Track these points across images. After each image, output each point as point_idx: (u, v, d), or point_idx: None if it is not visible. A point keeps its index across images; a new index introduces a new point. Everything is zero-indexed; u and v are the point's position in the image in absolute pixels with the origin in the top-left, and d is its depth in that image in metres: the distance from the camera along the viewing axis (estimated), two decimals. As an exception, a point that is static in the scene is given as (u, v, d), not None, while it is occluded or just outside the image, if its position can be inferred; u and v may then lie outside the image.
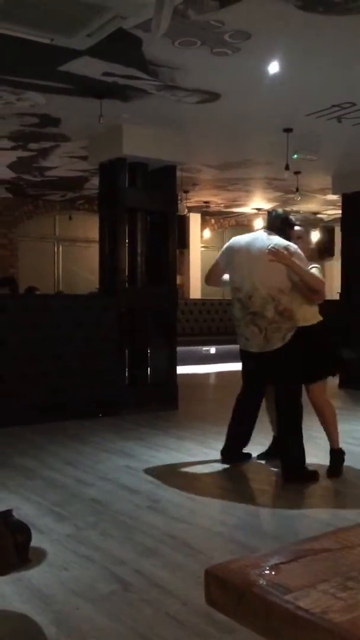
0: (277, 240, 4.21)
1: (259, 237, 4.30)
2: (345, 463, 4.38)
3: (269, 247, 4.15)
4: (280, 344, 4.18)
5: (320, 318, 4.41)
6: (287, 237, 4.30)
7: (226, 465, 4.58)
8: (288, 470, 4.24)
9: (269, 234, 4.29)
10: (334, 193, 9.41)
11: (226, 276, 4.46)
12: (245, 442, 4.61)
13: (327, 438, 4.39)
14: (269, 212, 4.55)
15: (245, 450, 4.66)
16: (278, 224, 4.35)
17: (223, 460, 4.60)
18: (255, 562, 1.01)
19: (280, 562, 1.00)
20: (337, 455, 4.35)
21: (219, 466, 4.57)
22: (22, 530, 2.88)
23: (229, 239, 4.57)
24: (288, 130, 6.74)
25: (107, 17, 4.09)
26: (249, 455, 4.69)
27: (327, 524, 3.37)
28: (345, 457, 4.38)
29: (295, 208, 12.54)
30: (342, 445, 4.41)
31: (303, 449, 4.23)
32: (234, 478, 4.34)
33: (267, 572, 0.97)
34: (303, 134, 6.84)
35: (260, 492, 4.15)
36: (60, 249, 12.80)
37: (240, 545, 3.09)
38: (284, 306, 4.15)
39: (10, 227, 12.00)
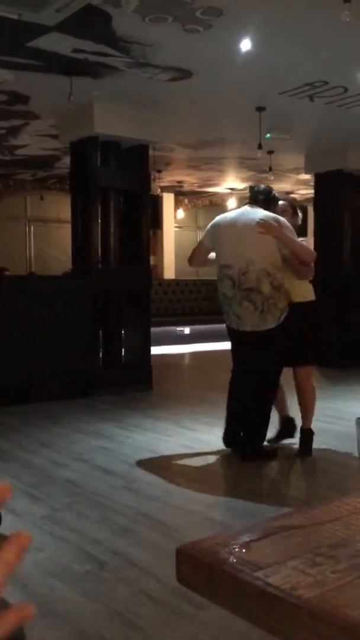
0: (265, 213, 4.11)
1: (245, 212, 4.20)
2: (318, 441, 4.44)
3: (258, 219, 4.04)
4: (273, 325, 4.06)
5: (314, 297, 4.34)
6: (273, 212, 4.21)
7: (201, 445, 4.61)
8: (247, 449, 4.25)
9: (254, 208, 4.19)
10: (306, 172, 9.43)
11: (212, 255, 4.34)
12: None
13: (300, 416, 4.42)
14: (251, 187, 4.41)
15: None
16: (262, 197, 4.26)
17: (226, 445, 4.40)
18: (226, 540, 1.01)
19: (250, 540, 1.01)
20: (308, 434, 4.37)
21: (194, 446, 4.61)
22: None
23: (203, 219, 4.56)
24: (261, 109, 6.71)
25: (76, -8, 4.00)
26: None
27: (300, 501, 3.42)
28: (318, 435, 4.43)
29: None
30: (314, 423, 4.47)
31: (266, 430, 4.26)
32: (209, 458, 4.38)
33: (237, 549, 0.98)
34: (276, 113, 6.82)
35: (235, 471, 4.19)
36: (32, 229, 12.66)
37: (215, 523, 3.13)
38: (279, 282, 4.04)
39: (-19, 207, 11.82)
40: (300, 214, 4.59)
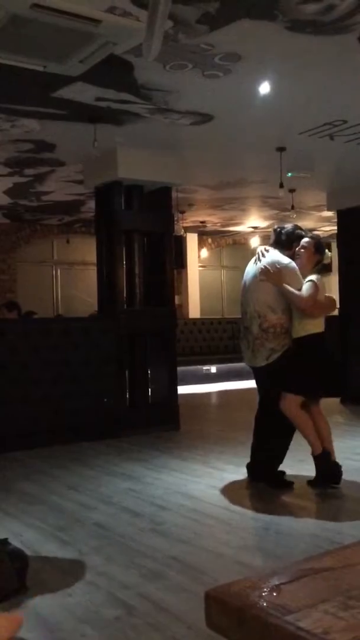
0: (271, 258, 4.30)
1: (260, 256, 4.45)
2: (350, 479, 4.34)
3: (261, 266, 4.30)
4: (263, 363, 4.32)
5: (320, 330, 4.27)
6: (292, 250, 4.37)
7: (231, 486, 4.54)
8: (259, 470, 4.49)
9: (271, 251, 4.39)
10: (328, 209, 9.47)
11: None
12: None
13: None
14: (274, 229, 4.55)
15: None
16: (284, 239, 4.42)
17: (248, 475, 4.62)
18: (256, 583, 1.00)
19: (280, 583, 0.99)
20: (315, 462, 4.26)
21: (223, 486, 4.54)
22: (19, 558, 2.85)
23: (227, 258, 4.76)
24: (281, 149, 6.80)
25: (98, 44, 4.14)
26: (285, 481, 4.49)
27: (333, 542, 3.34)
28: (349, 473, 4.32)
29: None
30: (343, 461, 4.36)
31: (279, 457, 4.42)
32: (238, 499, 4.31)
33: (267, 593, 0.96)
34: (296, 152, 6.90)
35: (265, 512, 4.11)
36: (59, 272, 12.86)
37: (246, 566, 3.06)
38: (270, 323, 4.24)
39: (9, 252, 12.06)
40: (328, 252, 4.48)
